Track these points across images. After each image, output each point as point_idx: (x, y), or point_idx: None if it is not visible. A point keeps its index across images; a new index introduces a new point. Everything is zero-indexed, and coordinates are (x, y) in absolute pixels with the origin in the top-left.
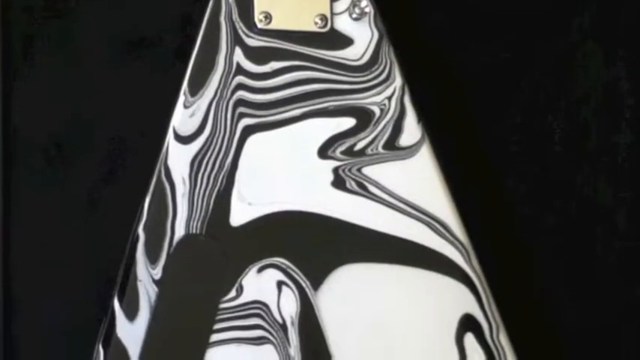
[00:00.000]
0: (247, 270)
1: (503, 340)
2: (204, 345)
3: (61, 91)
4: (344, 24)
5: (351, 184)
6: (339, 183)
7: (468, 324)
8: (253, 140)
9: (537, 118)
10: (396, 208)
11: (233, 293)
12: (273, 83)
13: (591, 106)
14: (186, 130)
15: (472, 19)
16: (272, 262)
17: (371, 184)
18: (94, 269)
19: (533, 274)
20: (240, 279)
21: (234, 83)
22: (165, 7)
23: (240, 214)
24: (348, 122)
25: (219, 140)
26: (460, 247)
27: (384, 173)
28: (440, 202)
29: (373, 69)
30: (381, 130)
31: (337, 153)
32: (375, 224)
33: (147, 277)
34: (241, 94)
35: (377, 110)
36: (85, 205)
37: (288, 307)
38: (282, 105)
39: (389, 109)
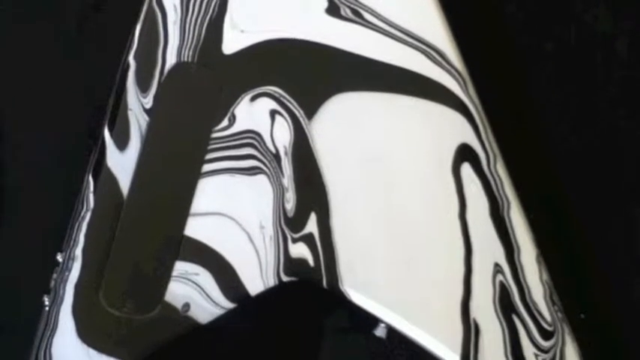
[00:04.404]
0: (240, 99)
1: (501, 169)
2: (197, 175)
3: None
4: None
5: (345, 11)
6: (333, 10)
7: (464, 154)
8: None
9: None
10: (391, 35)
11: (225, 122)
12: None
13: None
14: None
15: None
16: (265, 90)
17: (366, 11)
18: (83, 98)
19: (533, 103)
20: (232, 108)
21: None
22: None
23: (233, 41)
24: None
25: None
26: (457, 75)
27: (379, 0)
28: (436, 30)
29: None
30: None
31: None
32: (370, 52)
33: (138, 106)
34: None
35: None
36: (74, 33)
37: (282, 136)
38: None
39: None
